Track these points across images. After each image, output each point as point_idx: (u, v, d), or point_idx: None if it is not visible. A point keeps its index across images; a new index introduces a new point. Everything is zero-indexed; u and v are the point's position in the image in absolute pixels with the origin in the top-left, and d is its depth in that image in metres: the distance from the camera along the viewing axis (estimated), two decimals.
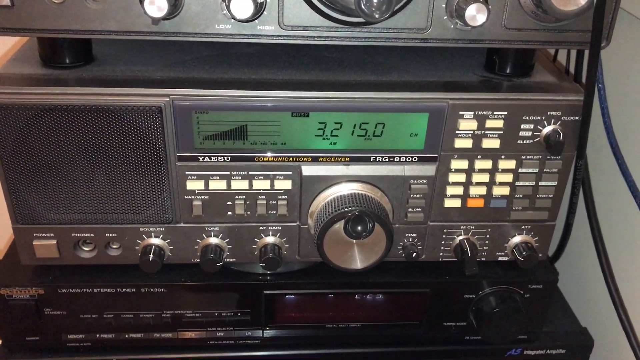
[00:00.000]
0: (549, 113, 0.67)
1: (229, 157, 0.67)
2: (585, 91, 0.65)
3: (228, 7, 0.57)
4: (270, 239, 0.72)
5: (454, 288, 0.77)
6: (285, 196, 0.70)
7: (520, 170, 0.70)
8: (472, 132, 0.67)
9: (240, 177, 0.68)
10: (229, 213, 0.70)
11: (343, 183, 0.69)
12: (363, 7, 0.53)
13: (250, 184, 0.69)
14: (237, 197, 0.69)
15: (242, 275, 0.76)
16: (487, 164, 0.69)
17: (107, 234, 0.70)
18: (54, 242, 0.70)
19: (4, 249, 0.79)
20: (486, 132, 0.67)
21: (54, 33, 0.61)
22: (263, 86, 0.65)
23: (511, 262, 0.76)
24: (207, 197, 0.69)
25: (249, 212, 0.70)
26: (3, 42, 0.96)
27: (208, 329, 0.78)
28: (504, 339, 0.79)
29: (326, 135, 0.67)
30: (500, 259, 0.76)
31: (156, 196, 0.68)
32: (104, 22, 0.60)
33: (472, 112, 0.66)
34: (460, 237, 0.74)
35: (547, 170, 0.70)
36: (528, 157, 0.69)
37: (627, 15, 0.79)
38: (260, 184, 0.69)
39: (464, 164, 0.69)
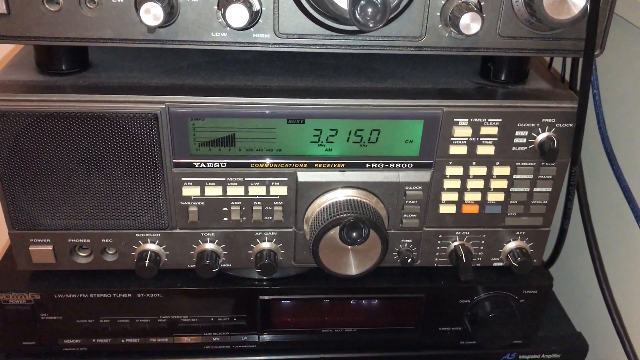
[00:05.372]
0: (543, 120, 0.67)
1: (225, 164, 0.67)
2: (579, 99, 0.66)
3: (224, 15, 0.57)
4: (266, 245, 0.73)
5: (449, 293, 0.78)
6: (281, 202, 0.70)
7: (514, 176, 0.70)
8: (466, 139, 0.68)
9: (236, 183, 0.68)
10: (225, 219, 0.70)
11: (339, 189, 0.69)
12: (358, 16, 0.54)
13: (246, 190, 0.69)
14: (232, 203, 0.69)
15: (237, 280, 0.76)
16: (482, 170, 0.70)
17: (103, 240, 0.71)
18: (50, 247, 0.71)
19: (0, 254, 0.79)
20: (481, 139, 0.68)
21: (51, 41, 0.61)
22: (259, 93, 0.65)
23: (506, 267, 0.76)
24: (203, 203, 0.69)
25: (244, 218, 0.70)
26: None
27: (204, 334, 0.78)
28: (499, 343, 0.79)
29: (322, 142, 0.67)
30: (495, 264, 0.77)
31: (152, 202, 0.69)
32: (100, 30, 0.60)
33: (467, 119, 0.67)
34: (455, 243, 0.74)
35: (542, 176, 0.71)
36: (522, 163, 0.70)
37: (621, 20, 0.79)
38: (256, 190, 0.69)
39: (458, 170, 0.70)
